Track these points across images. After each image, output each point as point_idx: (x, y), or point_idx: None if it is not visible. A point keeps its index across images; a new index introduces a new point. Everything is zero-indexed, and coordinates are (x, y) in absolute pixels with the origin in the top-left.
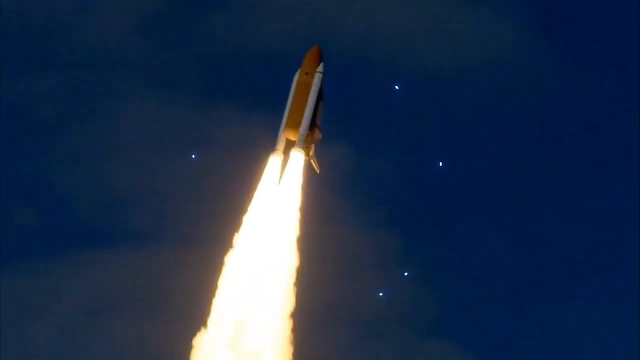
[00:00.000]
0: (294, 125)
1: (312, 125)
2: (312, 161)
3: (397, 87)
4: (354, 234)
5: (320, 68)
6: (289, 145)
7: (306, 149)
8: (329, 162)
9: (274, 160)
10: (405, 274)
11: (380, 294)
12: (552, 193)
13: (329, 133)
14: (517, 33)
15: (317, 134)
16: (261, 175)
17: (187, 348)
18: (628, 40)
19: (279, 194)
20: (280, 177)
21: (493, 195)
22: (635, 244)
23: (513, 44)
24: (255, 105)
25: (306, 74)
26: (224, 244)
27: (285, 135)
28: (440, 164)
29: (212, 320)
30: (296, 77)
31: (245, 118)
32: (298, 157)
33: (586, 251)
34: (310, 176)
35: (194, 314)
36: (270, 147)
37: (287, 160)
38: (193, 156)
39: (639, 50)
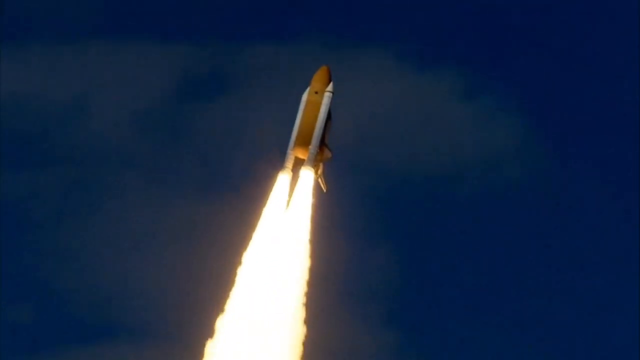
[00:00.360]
0: (304, 143)
1: (321, 144)
2: (319, 180)
3: None
4: (354, 329)
5: (330, 88)
6: (297, 163)
7: (314, 167)
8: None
9: (282, 178)
10: None
11: None
12: (553, 292)
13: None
14: (515, 129)
15: (327, 153)
16: (269, 196)
17: None
18: (629, 139)
19: (286, 232)
20: (289, 197)
21: (492, 295)
22: None
23: (512, 140)
24: (255, 200)
25: (316, 92)
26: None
27: (294, 153)
28: None
29: None
30: (305, 96)
31: (242, 212)
32: (308, 175)
33: None
34: (318, 197)
35: None
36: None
37: (295, 178)
38: None
39: None
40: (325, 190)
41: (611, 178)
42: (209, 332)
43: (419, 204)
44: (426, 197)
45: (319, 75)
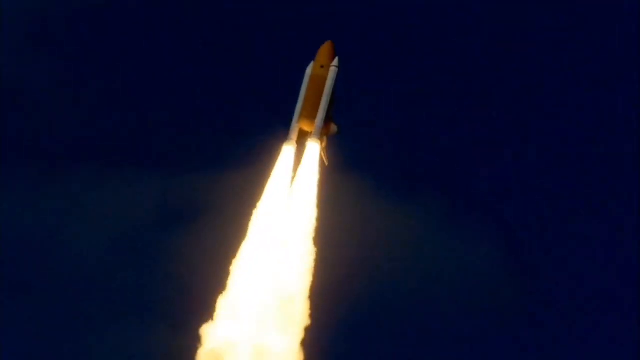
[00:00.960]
0: (309, 116)
1: (327, 118)
2: (322, 153)
3: None
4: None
5: (336, 62)
6: (302, 135)
7: (320, 140)
8: None
9: (287, 150)
10: None
11: None
12: None
13: None
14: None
15: (333, 127)
16: (275, 167)
17: None
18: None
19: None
20: (295, 168)
21: None
22: None
23: (487, 265)
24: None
25: (321, 67)
26: None
27: (300, 125)
28: None
29: None
30: (310, 70)
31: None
32: (314, 147)
33: None
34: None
35: None
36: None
37: (299, 151)
38: None
39: None
40: (326, 164)
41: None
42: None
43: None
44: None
45: (324, 49)
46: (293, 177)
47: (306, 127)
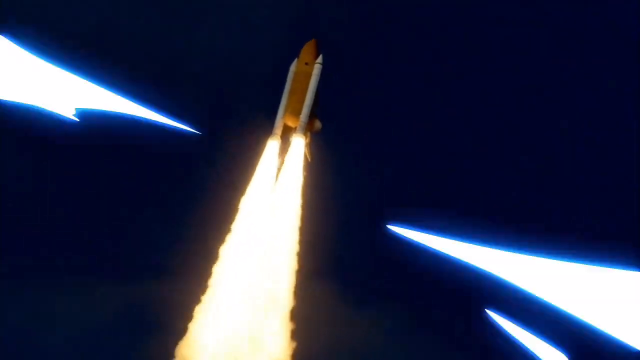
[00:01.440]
0: (294, 112)
1: (311, 114)
2: (305, 149)
3: None
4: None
5: (320, 59)
6: (286, 131)
7: (304, 136)
8: None
9: (271, 144)
10: None
11: None
12: None
13: None
14: None
15: (317, 124)
16: (259, 161)
17: None
18: None
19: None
20: (279, 163)
21: None
22: None
23: None
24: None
25: (306, 64)
26: None
27: (285, 120)
28: None
29: None
30: (294, 67)
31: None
32: (299, 143)
33: None
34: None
35: None
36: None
37: (284, 146)
38: None
39: None
40: (310, 160)
41: None
42: None
43: None
44: None
45: (308, 47)
46: (278, 170)
47: (290, 123)
